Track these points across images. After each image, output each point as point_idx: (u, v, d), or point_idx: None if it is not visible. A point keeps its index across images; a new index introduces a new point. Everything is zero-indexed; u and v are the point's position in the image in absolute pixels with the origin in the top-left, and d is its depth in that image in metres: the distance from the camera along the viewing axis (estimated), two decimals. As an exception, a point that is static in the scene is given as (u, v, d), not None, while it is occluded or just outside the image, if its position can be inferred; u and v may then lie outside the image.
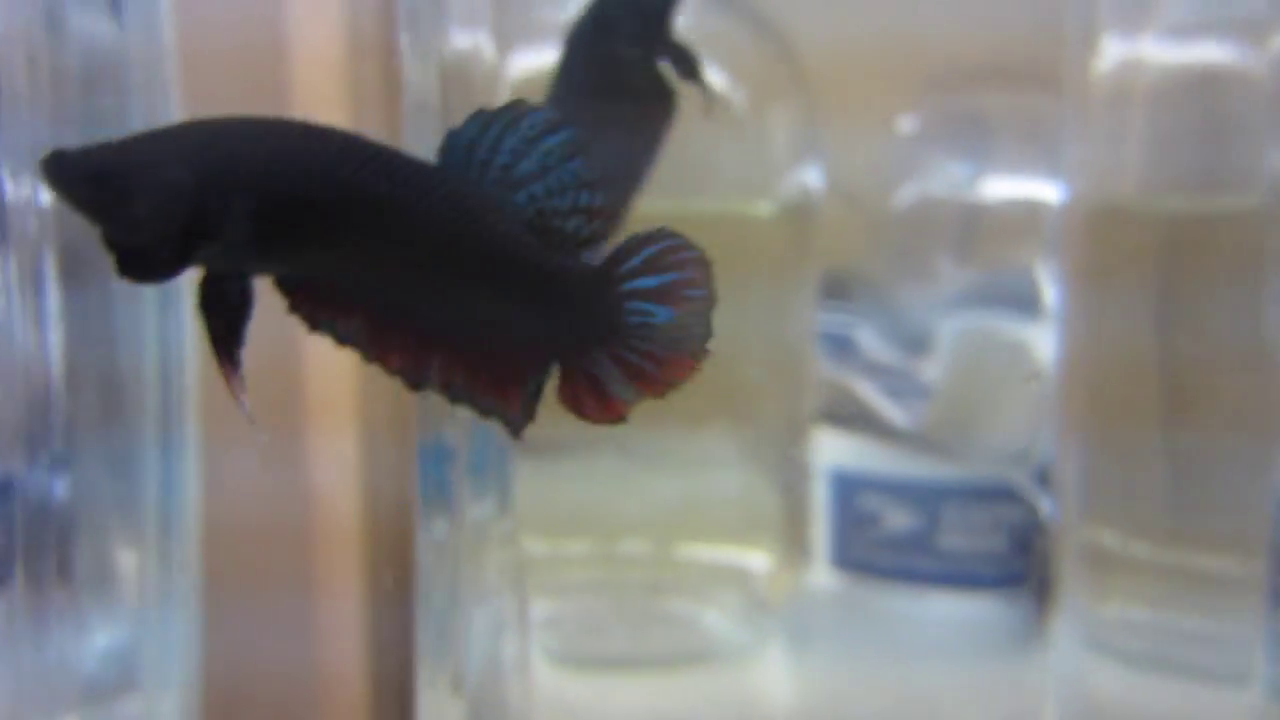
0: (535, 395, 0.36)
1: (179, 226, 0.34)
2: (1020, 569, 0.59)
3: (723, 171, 0.62)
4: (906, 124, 0.64)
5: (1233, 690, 0.47)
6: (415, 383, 0.35)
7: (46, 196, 0.44)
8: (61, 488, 0.47)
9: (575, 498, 0.62)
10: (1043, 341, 0.55)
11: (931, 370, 0.63)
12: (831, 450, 0.65)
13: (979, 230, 0.65)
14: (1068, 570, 0.52)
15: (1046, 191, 0.54)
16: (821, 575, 0.65)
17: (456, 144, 0.35)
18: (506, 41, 0.52)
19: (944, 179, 0.63)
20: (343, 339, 0.34)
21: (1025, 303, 0.57)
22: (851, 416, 0.65)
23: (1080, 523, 0.52)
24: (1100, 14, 0.49)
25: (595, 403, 0.36)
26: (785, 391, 0.63)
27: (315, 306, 0.34)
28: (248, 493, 0.55)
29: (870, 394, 0.65)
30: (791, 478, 0.65)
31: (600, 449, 0.60)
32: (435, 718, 0.49)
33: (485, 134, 0.34)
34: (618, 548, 0.65)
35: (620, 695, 0.59)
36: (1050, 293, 0.54)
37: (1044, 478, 0.55)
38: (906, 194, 0.64)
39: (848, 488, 0.65)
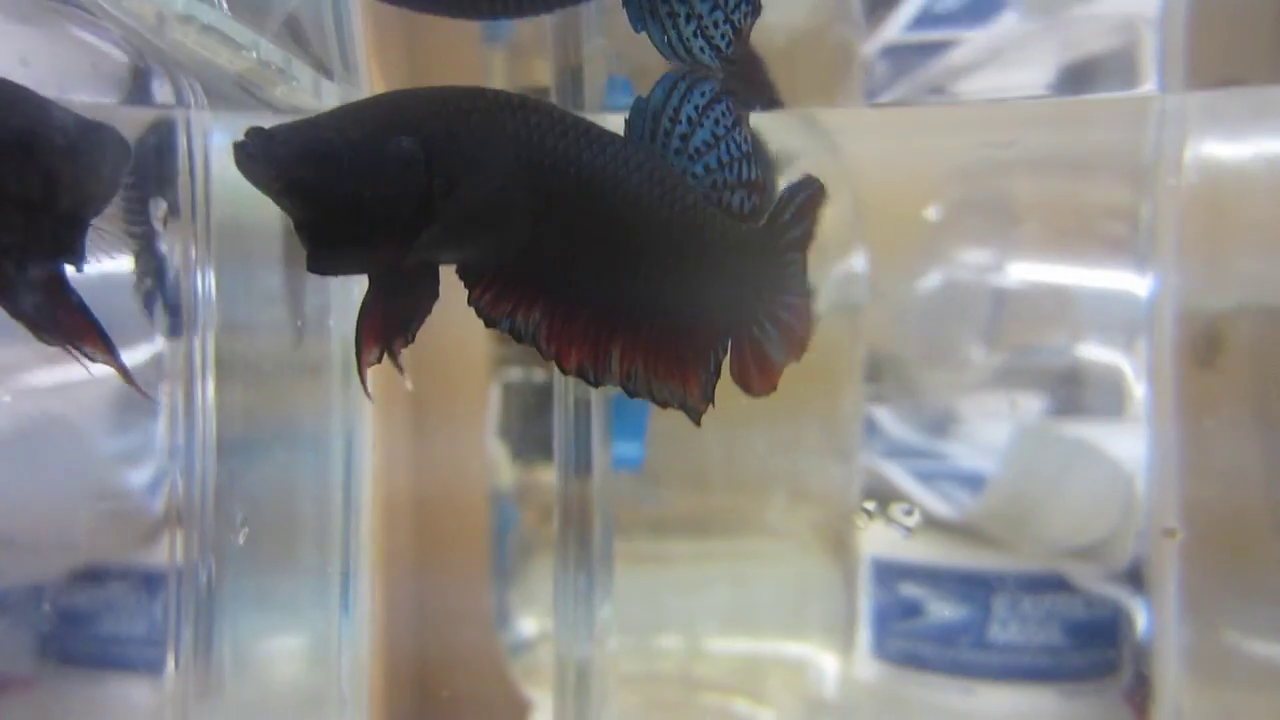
0: (715, 375, 0.36)
1: (410, 207, 0.30)
2: (1079, 662, 0.58)
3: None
4: (934, 213, 0.64)
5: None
6: (595, 378, 0.34)
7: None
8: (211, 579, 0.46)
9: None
10: (1121, 440, 0.55)
11: (968, 456, 0.63)
12: (874, 538, 0.65)
13: (1008, 316, 0.65)
14: (1168, 669, 0.51)
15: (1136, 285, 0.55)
16: (862, 666, 0.64)
17: (644, 110, 0.35)
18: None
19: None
20: (522, 335, 0.33)
21: (1108, 399, 0.57)
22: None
23: (1184, 623, 0.51)
24: (1190, 118, 0.50)
25: (760, 373, 0.37)
26: (838, 476, 0.63)
27: (497, 299, 0.32)
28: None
29: (907, 482, 0.65)
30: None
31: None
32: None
33: (669, 100, 0.35)
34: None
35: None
36: (1139, 390, 0.54)
37: (1135, 577, 0.55)
38: (932, 280, 0.65)
39: (889, 577, 0.65)
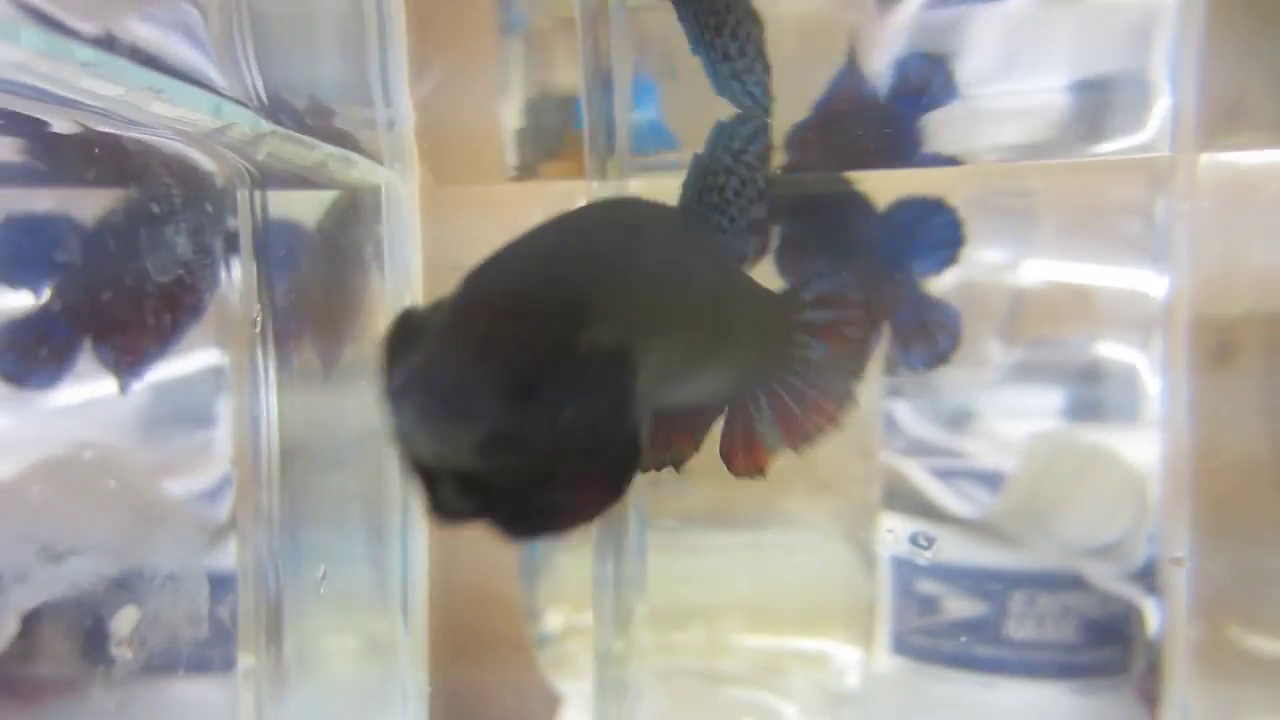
0: (704, 435, 0.36)
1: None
2: (1092, 660, 0.59)
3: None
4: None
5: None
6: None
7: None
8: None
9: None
10: (1134, 441, 0.56)
11: (985, 454, 0.64)
12: (894, 535, 0.66)
13: (1026, 313, 0.66)
14: (1177, 667, 0.53)
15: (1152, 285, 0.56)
16: (881, 661, 0.65)
17: (700, 165, 0.35)
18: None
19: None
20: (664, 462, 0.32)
21: (1124, 399, 0.58)
22: (912, 501, 0.66)
23: (1193, 620, 0.52)
24: (1206, 114, 0.51)
25: (746, 453, 0.36)
26: (859, 472, 0.64)
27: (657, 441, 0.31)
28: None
29: (927, 480, 0.66)
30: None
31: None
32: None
33: (716, 149, 0.35)
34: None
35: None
36: (1154, 387, 0.55)
37: (1148, 577, 0.56)
38: (949, 277, 0.65)
39: (907, 573, 0.66)
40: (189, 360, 0.43)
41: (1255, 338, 0.51)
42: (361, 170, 0.55)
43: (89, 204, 0.38)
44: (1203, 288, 0.51)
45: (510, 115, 0.60)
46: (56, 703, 0.38)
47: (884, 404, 0.65)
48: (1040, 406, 0.61)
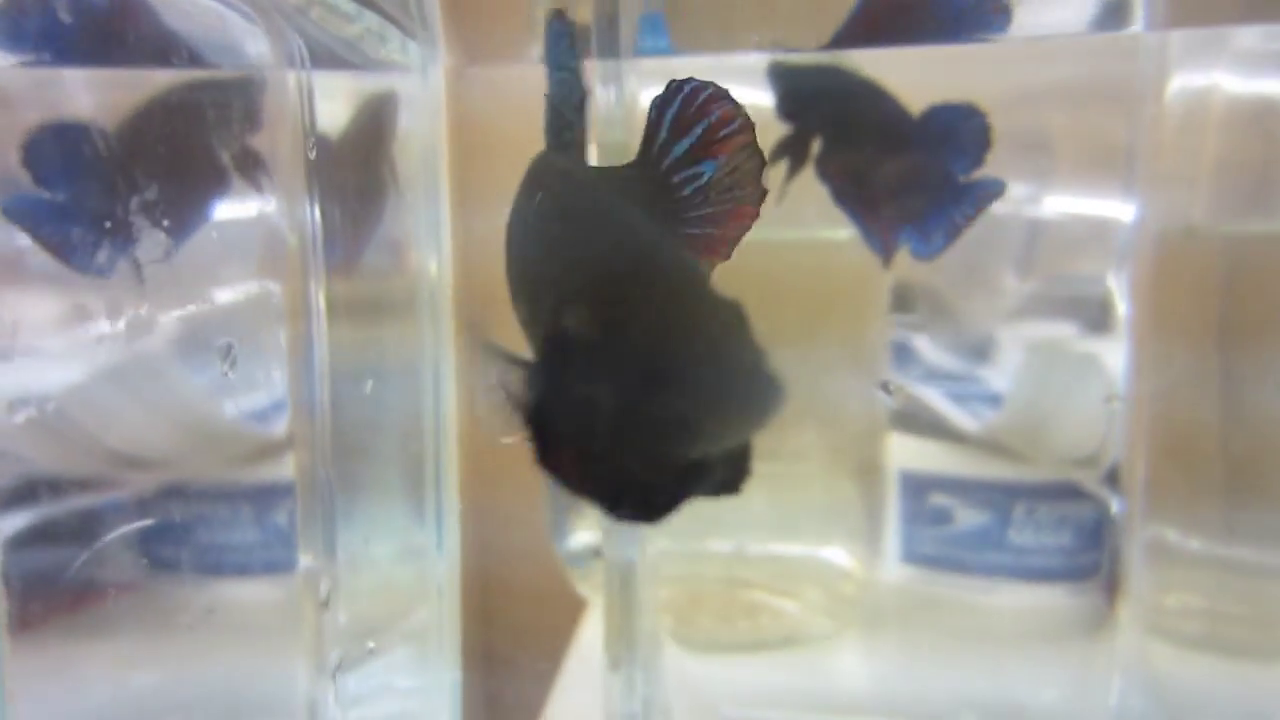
0: None
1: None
2: (1085, 562, 0.63)
3: (804, 199, 0.66)
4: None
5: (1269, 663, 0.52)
6: None
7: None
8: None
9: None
10: (1112, 355, 0.59)
11: (996, 379, 0.67)
12: (903, 453, 0.70)
13: (1042, 245, 0.68)
14: (1133, 563, 0.56)
15: (1119, 210, 0.59)
16: (893, 570, 0.70)
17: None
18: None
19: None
20: None
21: (1097, 317, 0.61)
22: (922, 422, 0.69)
23: (1144, 521, 0.56)
24: (1173, 44, 0.53)
25: None
26: (864, 398, 0.68)
27: None
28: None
29: (937, 400, 0.69)
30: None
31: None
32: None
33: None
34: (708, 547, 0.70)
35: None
36: (1122, 307, 0.58)
37: (1113, 480, 0.59)
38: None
39: (919, 488, 0.70)
40: (244, 282, 0.47)
41: (1211, 260, 0.54)
42: (392, 48, 0.56)
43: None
44: (1163, 213, 0.54)
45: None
46: (121, 603, 0.41)
47: (891, 335, 0.68)
48: (1054, 336, 0.64)
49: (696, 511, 0.64)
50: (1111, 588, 0.59)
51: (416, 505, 0.60)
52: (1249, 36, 0.52)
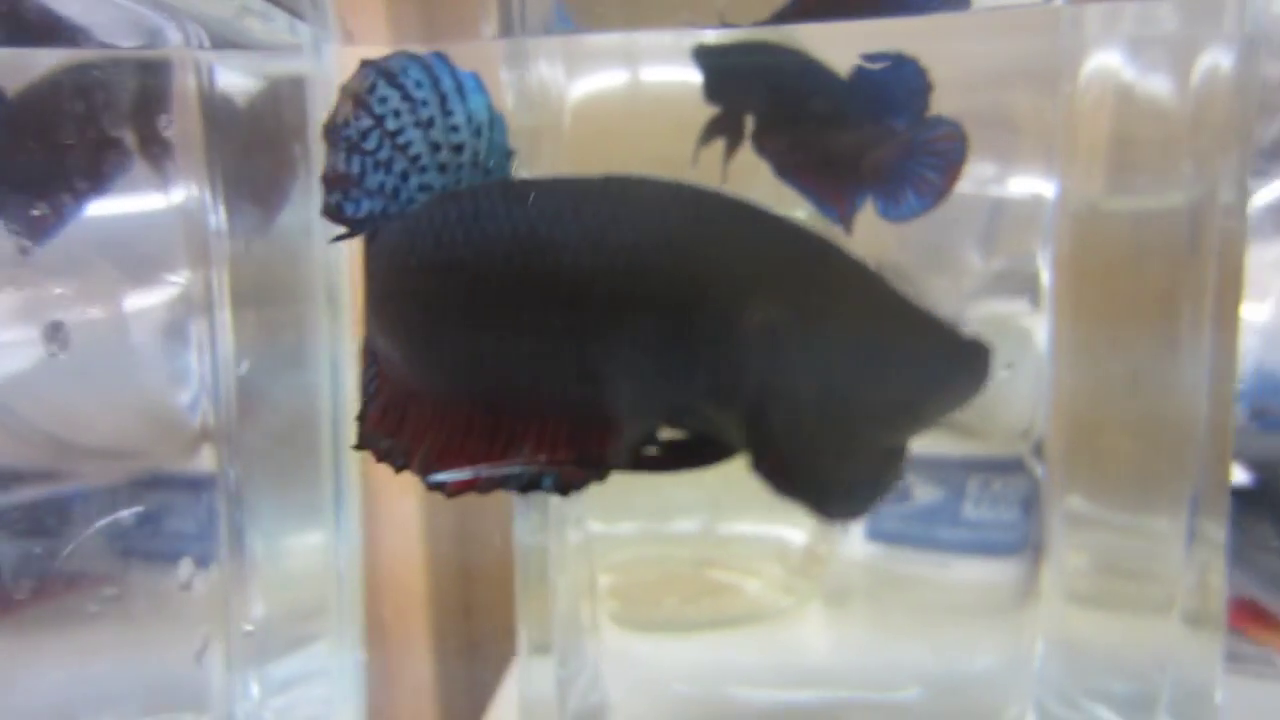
0: None
1: None
2: (1023, 534, 0.64)
3: (752, 180, 0.67)
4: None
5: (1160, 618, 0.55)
6: None
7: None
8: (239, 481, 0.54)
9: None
10: (1040, 330, 0.60)
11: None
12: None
13: (1002, 225, 0.69)
14: (1053, 531, 0.58)
15: (1045, 188, 0.59)
16: (857, 547, 0.71)
17: None
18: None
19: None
20: None
21: (1035, 294, 0.62)
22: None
23: (1062, 490, 0.58)
24: (1090, 19, 0.54)
25: None
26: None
27: None
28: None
29: None
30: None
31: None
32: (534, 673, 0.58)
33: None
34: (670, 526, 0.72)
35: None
36: (1046, 284, 0.59)
37: (1039, 452, 0.61)
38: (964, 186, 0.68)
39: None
40: (160, 283, 0.49)
41: (1124, 238, 0.55)
42: (278, 28, 0.55)
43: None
44: (1080, 189, 0.55)
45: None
46: (69, 596, 0.44)
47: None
48: (1016, 313, 0.65)
49: (652, 494, 0.66)
50: (1037, 557, 0.60)
51: (316, 492, 0.61)
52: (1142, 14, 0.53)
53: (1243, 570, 0.68)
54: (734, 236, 0.35)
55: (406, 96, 0.35)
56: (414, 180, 0.35)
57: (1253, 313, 0.69)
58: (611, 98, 0.59)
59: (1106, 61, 0.54)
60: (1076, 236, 0.56)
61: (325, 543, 0.59)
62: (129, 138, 0.45)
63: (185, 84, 0.49)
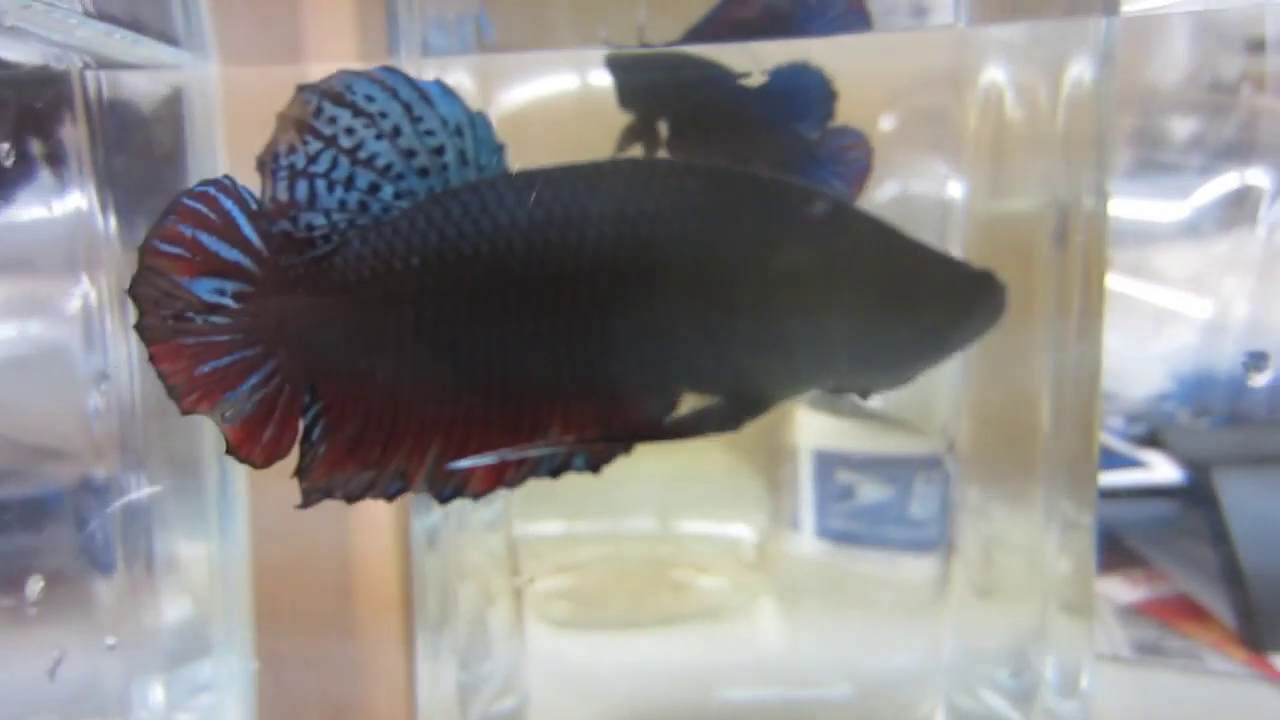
0: None
1: None
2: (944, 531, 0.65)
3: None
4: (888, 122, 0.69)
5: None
6: None
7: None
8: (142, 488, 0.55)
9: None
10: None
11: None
12: (811, 431, 0.72)
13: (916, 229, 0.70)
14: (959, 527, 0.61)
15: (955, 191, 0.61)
16: (807, 545, 0.72)
17: None
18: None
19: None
20: None
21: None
22: (829, 398, 0.71)
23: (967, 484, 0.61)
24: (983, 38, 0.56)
25: None
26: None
27: None
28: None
29: None
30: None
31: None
32: (432, 678, 0.59)
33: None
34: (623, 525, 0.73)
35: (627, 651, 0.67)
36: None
37: (952, 448, 0.62)
38: (888, 189, 0.70)
39: (827, 465, 0.72)
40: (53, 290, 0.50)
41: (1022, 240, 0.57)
42: (148, 50, 0.54)
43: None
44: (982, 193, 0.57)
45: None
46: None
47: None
48: None
49: (596, 492, 0.68)
50: (949, 551, 0.61)
51: (202, 496, 0.61)
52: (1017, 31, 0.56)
53: (1177, 566, 0.69)
54: (746, 199, 0.36)
55: (359, 113, 0.35)
56: (388, 189, 0.35)
57: (1196, 310, 0.70)
58: (527, 111, 0.61)
59: (995, 75, 0.57)
60: (971, 238, 0.57)
61: (210, 553, 0.60)
62: (33, 148, 0.47)
63: (74, 99, 0.49)
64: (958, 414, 0.61)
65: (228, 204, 0.35)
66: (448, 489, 0.35)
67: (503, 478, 0.35)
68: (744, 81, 0.58)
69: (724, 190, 0.36)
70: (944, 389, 0.65)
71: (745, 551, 0.73)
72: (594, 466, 0.35)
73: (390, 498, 0.35)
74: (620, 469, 0.35)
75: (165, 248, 0.34)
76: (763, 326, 0.35)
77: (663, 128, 0.59)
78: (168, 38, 0.54)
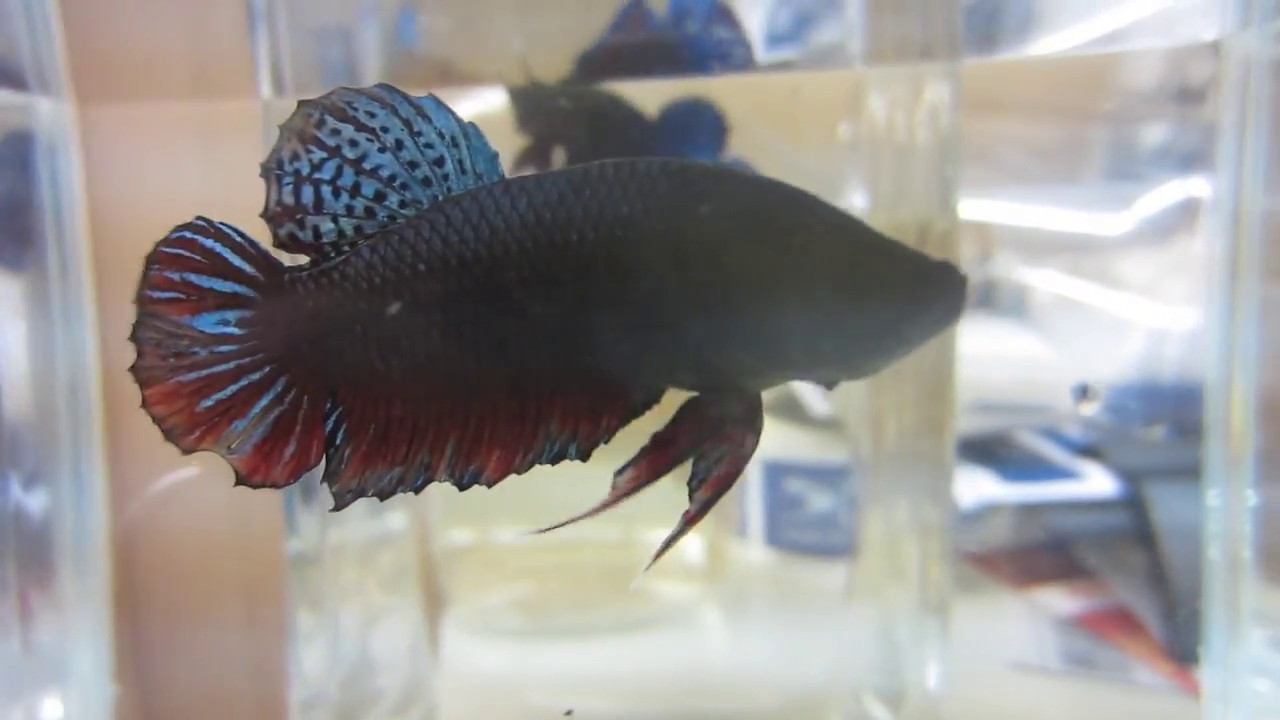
0: None
1: None
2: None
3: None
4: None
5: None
6: None
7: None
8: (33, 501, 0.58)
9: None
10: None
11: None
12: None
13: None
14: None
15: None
16: (757, 553, 0.73)
17: None
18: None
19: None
20: None
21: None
22: (778, 406, 0.72)
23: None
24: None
25: None
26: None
27: None
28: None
29: (806, 389, 0.72)
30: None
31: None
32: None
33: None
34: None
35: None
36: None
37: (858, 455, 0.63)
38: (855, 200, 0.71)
39: (776, 474, 0.73)
40: None
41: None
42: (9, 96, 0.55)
43: None
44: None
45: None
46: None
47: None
48: None
49: (539, 500, 0.69)
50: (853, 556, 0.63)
51: (56, 464, 0.61)
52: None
53: (1119, 578, 0.68)
54: (717, 197, 0.38)
55: (362, 127, 0.37)
56: (393, 198, 0.37)
57: (1147, 318, 0.69)
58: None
59: (874, 101, 0.61)
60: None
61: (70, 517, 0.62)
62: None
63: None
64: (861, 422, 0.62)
65: (209, 243, 0.36)
66: (465, 477, 0.37)
67: (512, 464, 0.37)
68: (643, 112, 0.60)
69: (692, 188, 0.38)
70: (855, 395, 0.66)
71: (696, 559, 0.73)
72: (584, 455, 0.37)
73: (417, 490, 0.37)
74: (569, 472, 0.37)
75: (159, 294, 0.35)
76: (728, 321, 0.37)
77: (559, 152, 0.61)
78: (12, 80, 0.55)
